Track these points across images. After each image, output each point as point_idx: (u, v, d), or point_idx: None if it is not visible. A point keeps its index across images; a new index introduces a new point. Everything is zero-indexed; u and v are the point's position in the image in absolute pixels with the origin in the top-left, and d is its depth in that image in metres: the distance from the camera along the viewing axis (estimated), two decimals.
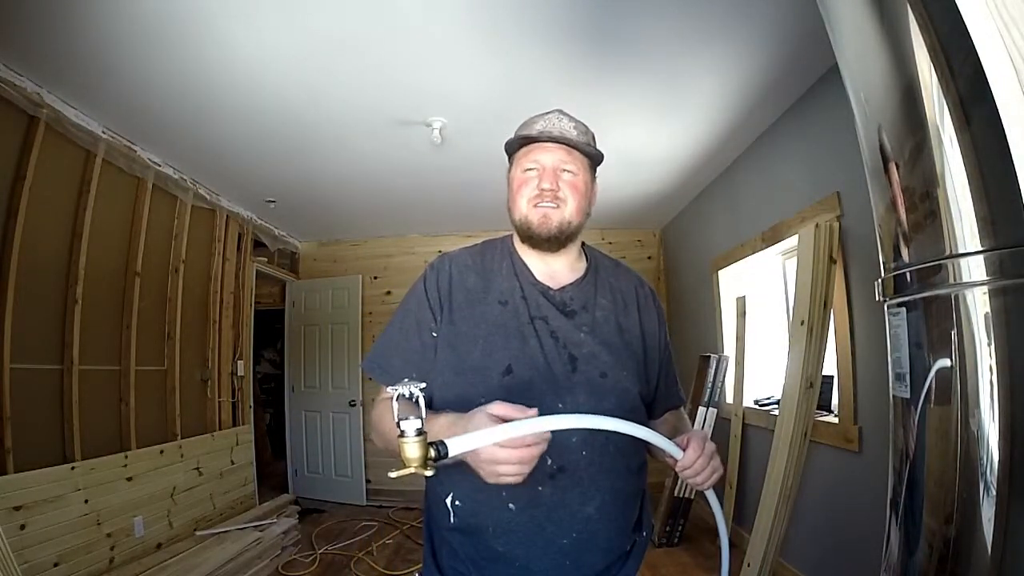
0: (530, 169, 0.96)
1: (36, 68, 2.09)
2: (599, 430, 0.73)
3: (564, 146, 0.96)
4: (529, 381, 0.88)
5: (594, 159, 1.00)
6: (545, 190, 0.94)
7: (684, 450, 0.83)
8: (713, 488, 0.89)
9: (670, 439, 0.83)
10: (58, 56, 2.01)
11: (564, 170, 0.96)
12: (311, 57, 2.09)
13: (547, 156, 0.96)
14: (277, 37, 1.96)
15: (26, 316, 2.17)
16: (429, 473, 0.57)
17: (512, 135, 1.02)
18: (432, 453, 0.58)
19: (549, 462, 0.85)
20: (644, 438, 0.77)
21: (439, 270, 1.00)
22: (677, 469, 0.85)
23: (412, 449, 0.56)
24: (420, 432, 0.56)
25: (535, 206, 0.95)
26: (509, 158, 1.03)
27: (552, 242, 0.96)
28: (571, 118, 0.99)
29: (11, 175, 2.14)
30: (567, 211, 0.95)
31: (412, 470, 0.56)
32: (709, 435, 0.94)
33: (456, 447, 0.60)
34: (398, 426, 0.57)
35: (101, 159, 2.55)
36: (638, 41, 2.04)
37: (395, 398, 0.58)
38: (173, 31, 1.89)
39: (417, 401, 0.59)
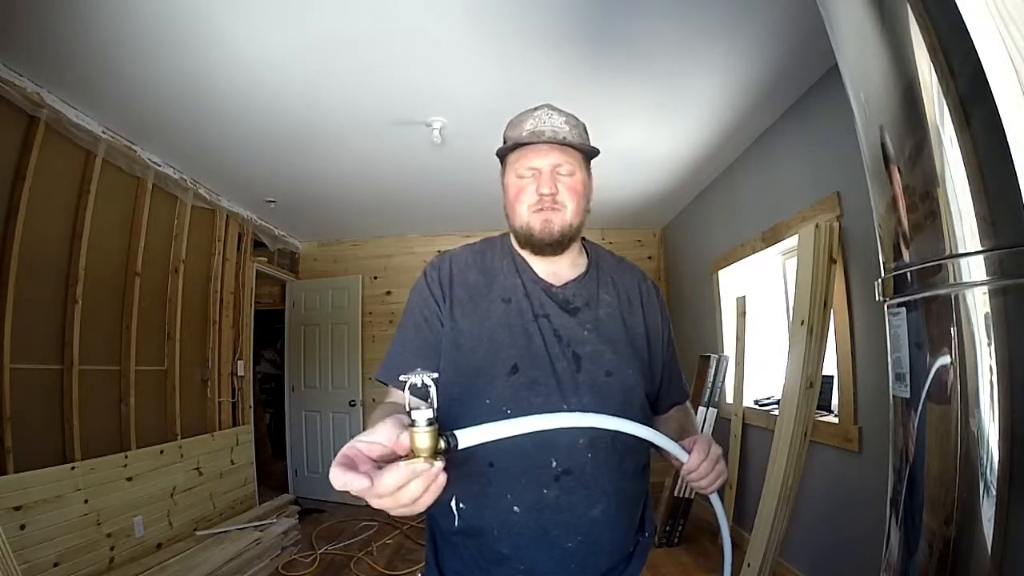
0: (526, 174, 0.93)
1: (36, 68, 2.09)
2: (605, 431, 0.72)
3: (558, 145, 0.92)
4: (535, 380, 0.87)
5: (589, 155, 0.98)
6: (544, 195, 0.91)
7: (689, 453, 0.82)
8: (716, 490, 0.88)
9: (677, 439, 0.82)
10: (58, 56, 2.01)
11: (560, 172, 0.93)
12: (311, 57, 2.08)
13: (542, 159, 0.92)
14: (277, 37, 1.95)
15: (26, 316, 2.17)
16: (438, 463, 0.56)
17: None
18: (442, 444, 0.57)
19: (555, 464, 0.84)
20: (649, 440, 0.76)
21: (439, 267, 0.98)
22: (682, 472, 0.84)
23: (423, 439, 0.55)
24: (431, 422, 0.55)
25: (536, 211, 0.93)
26: (501, 161, 1.00)
27: (555, 247, 0.94)
28: (560, 112, 0.95)
29: (11, 175, 2.14)
30: (568, 214, 0.93)
31: (421, 460, 0.55)
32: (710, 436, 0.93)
33: (466, 440, 0.60)
34: (408, 415, 0.56)
35: (101, 159, 2.55)
36: (638, 41, 2.04)
37: (407, 387, 0.57)
38: (173, 31, 1.89)
39: (428, 391, 0.58)
